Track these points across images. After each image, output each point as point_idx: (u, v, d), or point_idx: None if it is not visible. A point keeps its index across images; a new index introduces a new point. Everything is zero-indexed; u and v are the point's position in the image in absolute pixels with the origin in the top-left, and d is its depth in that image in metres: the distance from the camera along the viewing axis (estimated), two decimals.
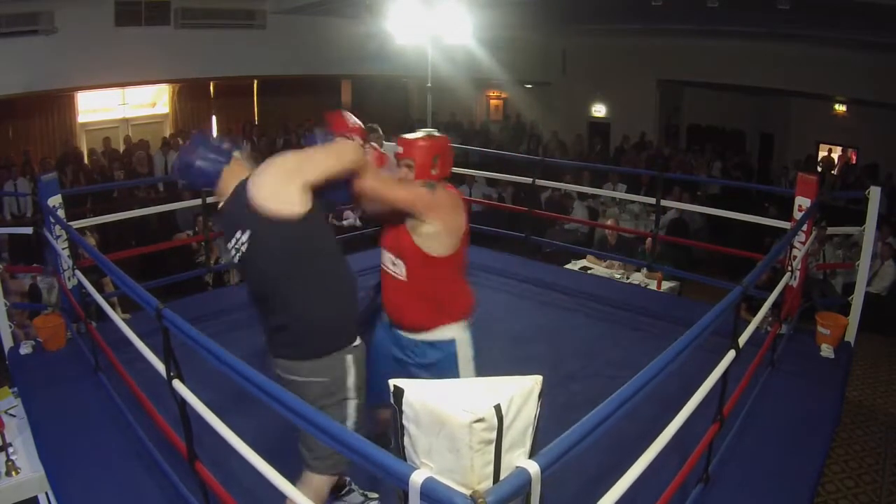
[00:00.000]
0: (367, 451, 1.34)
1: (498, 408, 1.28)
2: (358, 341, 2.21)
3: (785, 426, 3.33)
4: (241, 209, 2.03)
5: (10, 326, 4.12)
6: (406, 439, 1.40)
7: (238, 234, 2.06)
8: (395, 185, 2.38)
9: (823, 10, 8.11)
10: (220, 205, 2.14)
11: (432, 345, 2.46)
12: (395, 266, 2.44)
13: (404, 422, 1.39)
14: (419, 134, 2.51)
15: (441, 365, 2.45)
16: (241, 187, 2.04)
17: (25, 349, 4.07)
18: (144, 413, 2.89)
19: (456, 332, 2.45)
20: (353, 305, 2.24)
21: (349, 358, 2.16)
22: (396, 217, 2.40)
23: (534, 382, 1.42)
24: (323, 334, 2.13)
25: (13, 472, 3.07)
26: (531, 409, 1.40)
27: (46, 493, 3.12)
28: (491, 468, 1.30)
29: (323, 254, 2.14)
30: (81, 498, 2.79)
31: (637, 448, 1.95)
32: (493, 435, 1.29)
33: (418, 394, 1.37)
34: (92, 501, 2.78)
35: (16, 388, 3.71)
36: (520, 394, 1.36)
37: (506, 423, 1.30)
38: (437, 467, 1.30)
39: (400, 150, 2.48)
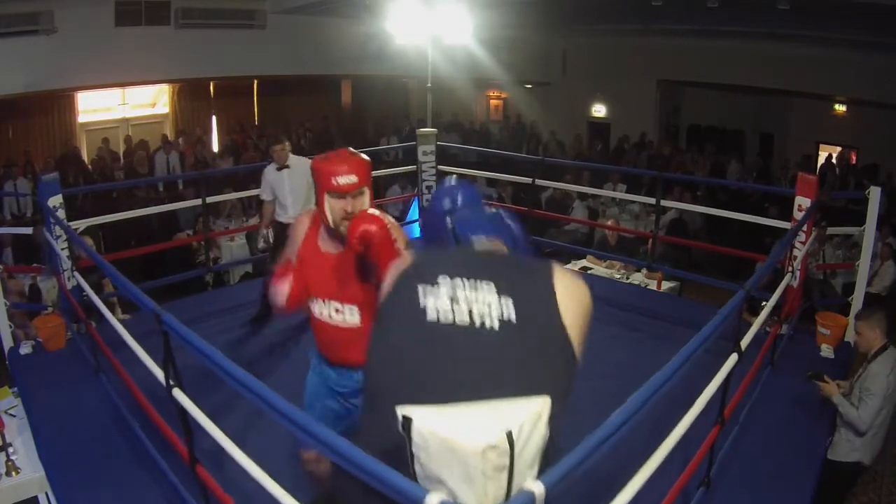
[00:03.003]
0: (381, 474, 1.32)
1: (510, 434, 1.27)
2: None
3: (785, 427, 3.33)
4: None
5: (10, 326, 4.12)
6: (417, 467, 1.37)
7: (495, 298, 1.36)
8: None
9: (823, 10, 8.11)
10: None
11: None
12: (340, 314, 2.23)
13: (413, 449, 1.35)
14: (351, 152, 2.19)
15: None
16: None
17: (25, 349, 4.07)
18: (144, 414, 2.89)
19: None
20: None
21: None
22: (354, 267, 2.16)
23: (542, 404, 1.38)
24: None
25: (13, 472, 3.07)
26: (540, 433, 1.37)
27: (46, 493, 3.12)
28: (503, 493, 1.29)
29: None
30: (81, 498, 2.79)
31: (640, 452, 1.94)
32: (506, 461, 1.27)
33: (427, 422, 1.33)
34: (92, 501, 2.78)
35: (16, 388, 3.71)
36: (529, 419, 1.34)
37: (517, 448, 1.28)
38: (449, 495, 1.29)
39: (347, 177, 2.07)
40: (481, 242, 1.49)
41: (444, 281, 1.33)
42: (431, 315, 1.32)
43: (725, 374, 2.43)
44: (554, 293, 1.33)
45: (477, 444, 1.25)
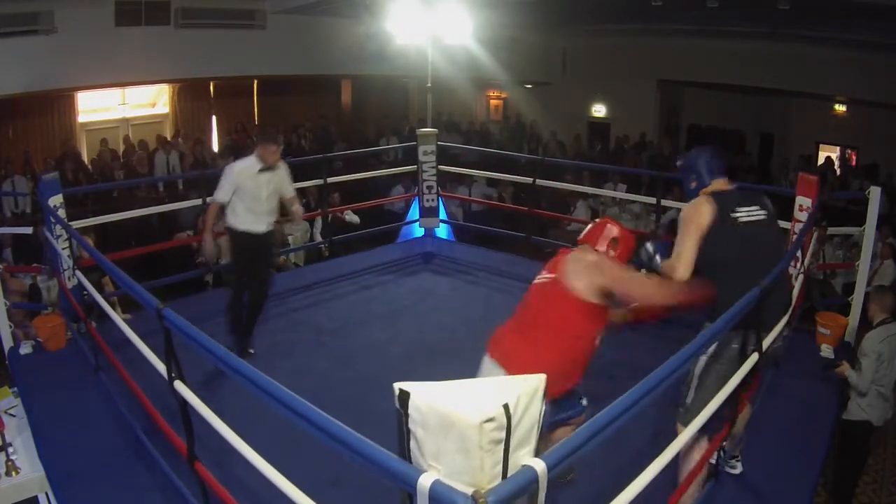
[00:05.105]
0: (372, 454, 1.32)
1: (506, 407, 1.28)
2: None
3: (785, 426, 3.33)
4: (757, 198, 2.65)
5: (10, 326, 4.12)
6: (412, 443, 1.38)
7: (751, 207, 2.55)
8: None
9: (824, 10, 8.11)
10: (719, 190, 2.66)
11: None
12: None
13: (410, 425, 1.37)
14: None
15: None
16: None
17: (25, 349, 4.07)
18: (145, 413, 2.89)
19: None
20: None
21: None
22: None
23: (539, 381, 1.42)
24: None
25: (13, 472, 3.07)
26: (536, 408, 1.39)
27: (46, 493, 3.12)
28: (500, 468, 1.29)
29: None
30: (81, 498, 2.79)
31: (648, 448, 1.93)
32: (503, 434, 1.28)
33: (425, 396, 1.36)
34: (92, 501, 2.78)
35: (16, 388, 3.71)
36: (526, 392, 1.35)
37: (514, 421, 1.29)
38: (445, 470, 1.29)
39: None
40: None
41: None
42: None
43: (745, 373, 2.36)
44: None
45: (474, 417, 1.25)
